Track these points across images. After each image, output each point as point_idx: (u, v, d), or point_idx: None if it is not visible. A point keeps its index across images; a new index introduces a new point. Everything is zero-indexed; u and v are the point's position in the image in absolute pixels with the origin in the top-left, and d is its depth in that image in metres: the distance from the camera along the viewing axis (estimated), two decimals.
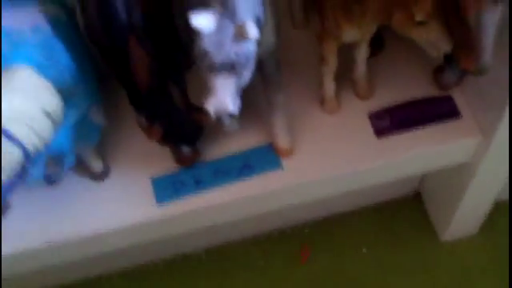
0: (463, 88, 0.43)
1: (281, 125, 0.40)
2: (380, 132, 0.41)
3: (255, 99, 0.39)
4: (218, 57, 0.30)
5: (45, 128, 0.33)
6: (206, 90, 0.32)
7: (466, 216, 0.52)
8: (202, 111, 0.34)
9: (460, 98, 0.43)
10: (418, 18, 0.32)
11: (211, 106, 0.31)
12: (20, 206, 0.40)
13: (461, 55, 0.33)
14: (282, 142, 0.40)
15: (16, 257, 0.40)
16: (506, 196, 0.56)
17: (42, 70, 0.34)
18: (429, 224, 0.58)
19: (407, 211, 0.58)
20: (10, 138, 0.31)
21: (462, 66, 0.33)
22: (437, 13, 0.33)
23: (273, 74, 0.37)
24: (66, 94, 0.34)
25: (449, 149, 0.42)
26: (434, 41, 0.33)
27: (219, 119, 0.32)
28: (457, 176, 0.48)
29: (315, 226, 0.57)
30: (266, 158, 0.41)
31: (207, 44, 0.29)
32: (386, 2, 0.33)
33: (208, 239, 0.55)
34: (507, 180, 0.50)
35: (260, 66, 0.34)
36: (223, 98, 0.30)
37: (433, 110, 0.42)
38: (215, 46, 0.29)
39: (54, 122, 0.33)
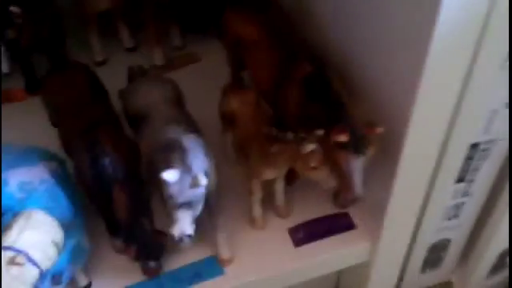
0: (356, 207, 0.58)
1: (222, 241, 0.53)
2: (297, 243, 0.56)
3: (202, 223, 0.51)
4: (179, 198, 0.44)
5: (53, 254, 0.46)
6: (170, 220, 0.46)
7: None
8: (165, 235, 0.48)
9: (355, 214, 0.58)
10: (312, 164, 0.46)
11: (176, 231, 0.45)
12: None
13: (342, 189, 0.48)
14: (224, 254, 0.54)
15: None
16: None
17: (49, 210, 0.47)
18: None
19: None
20: (32, 261, 0.43)
21: (343, 196, 0.48)
22: (325, 161, 0.47)
23: (215, 204, 0.50)
24: (66, 227, 0.48)
25: (347, 253, 0.57)
26: (324, 179, 0.47)
27: (179, 240, 0.45)
28: (359, 275, 0.62)
29: None
30: (211, 267, 0.54)
31: (172, 190, 0.44)
32: (291, 155, 0.47)
33: None
34: (399, 276, 0.63)
35: (206, 198, 0.48)
36: (184, 226, 0.45)
37: (335, 224, 0.57)
38: (177, 191, 0.44)
39: (58, 248, 0.46)
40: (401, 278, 0.69)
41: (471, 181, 0.57)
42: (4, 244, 0.43)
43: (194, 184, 0.43)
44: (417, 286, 0.72)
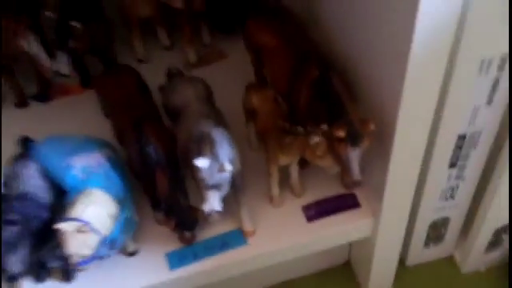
0: (361, 188, 0.66)
1: (245, 216, 0.63)
2: (309, 218, 0.65)
3: (228, 201, 0.60)
4: (210, 181, 0.54)
5: (110, 224, 0.56)
6: (202, 198, 0.56)
7: (378, 277, 0.75)
8: (198, 210, 0.58)
9: (360, 195, 0.67)
10: (318, 153, 0.55)
11: (206, 208, 0.55)
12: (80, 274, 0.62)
13: (342, 174, 0.56)
14: (247, 226, 0.63)
15: None
16: (413, 262, 0.80)
17: (105, 189, 0.58)
18: (357, 284, 0.80)
19: (341, 276, 0.81)
20: (94, 230, 0.54)
21: (344, 180, 0.55)
22: (329, 152, 0.55)
23: (239, 185, 0.60)
24: (119, 203, 0.58)
25: (353, 228, 0.66)
26: (329, 166, 0.57)
27: (209, 214, 0.55)
28: (366, 249, 0.72)
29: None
30: (237, 238, 0.64)
31: (204, 175, 0.53)
32: (301, 145, 0.56)
33: None
34: (403, 251, 0.72)
35: (232, 180, 0.57)
36: (213, 203, 0.55)
37: (342, 203, 0.66)
38: (208, 175, 0.53)
39: (114, 220, 0.56)
40: (406, 252, 0.79)
41: (463, 166, 0.65)
42: (71, 216, 0.54)
43: (221, 170, 0.53)
44: (421, 259, 0.81)
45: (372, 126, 0.52)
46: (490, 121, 0.59)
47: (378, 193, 0.62)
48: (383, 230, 0.65)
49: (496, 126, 0.60)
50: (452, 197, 0.69)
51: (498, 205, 0.68)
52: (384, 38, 0.52)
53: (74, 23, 0.67)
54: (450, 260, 0.81)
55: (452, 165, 0.63)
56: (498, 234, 0.74)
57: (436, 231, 0.75)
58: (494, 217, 0.70)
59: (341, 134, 0.51)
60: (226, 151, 0.54)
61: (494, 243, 0.76)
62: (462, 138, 0.60)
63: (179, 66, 0.75)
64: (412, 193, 0.62)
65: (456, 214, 0.72)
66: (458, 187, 0.68)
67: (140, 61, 0.82)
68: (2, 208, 0.56)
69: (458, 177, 0.66)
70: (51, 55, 0.67)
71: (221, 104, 0.67)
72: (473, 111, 0.57)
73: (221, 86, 0.70)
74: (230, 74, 0.79)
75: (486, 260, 0.78)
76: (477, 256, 0.77)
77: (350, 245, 0.79)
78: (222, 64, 0.83)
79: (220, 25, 0.84)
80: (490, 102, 0.57)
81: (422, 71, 0.49)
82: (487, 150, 0.63)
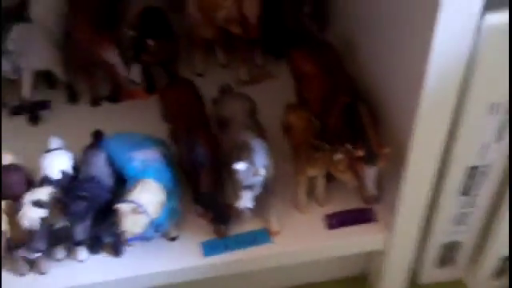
0: (380, 204, 0.73)
1: (273, 217, 0.72)
2: (330, 226, 0.72)
3: (259, 204, 0.69)
4: (245, 183, 0.63)
5: (159, 209, 0.66)
6: (237, 197, 0.65)
7: None
8: (232, 207, 0.67)
9: (377, 210, 0.74)
10: (340, 168, 0.64)
11: (240, 205, 0.64)
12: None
13: (360, 189, 0.64)
14: (274, 227, 0.72)
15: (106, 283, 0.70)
16: (425, 281, 0.85)
17: (158, 180, 0.67)
18: None
19: (357, 286, 0.87)
20: (146, 212, 0.64)
21: (362, 195, 0.64)
22: (350, 168, 0.64)
23: (270, 189, 0.69)
24: (168, 193, 0.67)
25: (367, 240, 0.73)
26: (349, 180, 0.65)
27: (242, 211, 0.65)
28: (380, 260, 0.79)
29: None
30: (264, 236, 0.72)
31: (241, 176, 0.63)
32: (327, 160, 0.66)
33: None
34: (415, 268, 0.78)
35: (265, 184, 0.67)
36: (246, 201, 0.64)
37: (360, 216, 0.73)
38: (244, 177, 0.63)
39: (161, 207, 0.66)
40: (419, 271, 0.84)
41: (475, 195, 0.71)
42: (129, 198, 0.65)
43: (256, 174, 0.63)
44: (433, 279, 0.86)
45: (387, 150, 0.61)
46: (499, 156, 0.66)
47: (392, 210, 0.70)
48: (395, 244, 0.73)
49: (506, 162, 0.67)
50: (464, 223, 0.75)
51: (501, 235, 0.74)
52: (401, 77, 0.61)
53: (149, 41, 0.80)
54: (460, 283, 0.86)
55: (464, 193, 0.70)
56: (503, 263, 0.79)
57: (448, 253, 0.81)
58: (499, 246, 0.76)
59: (360, 153, 0.61)
60: (261, 159, 0.64)
61: (500, 272, 0.81)
62: (473, 169, 0.67)
63: (232, 83, 0.87)
64: (423, 213, 0.70)
65: (467, 240, 0.78)
66: (470, 214, 0.74)
67: (199, 75, 0.93)
68: (75, 186, 0.68)
69: (471, 204, 0.72)
70: (126, 65, 0.80)
71: (264, 118, 0.77)
72: (483, 147, 0.64)
73: (266, 103, 0.81)
74: (275, 93, 0.89)
75: (495, 285, 0.83)
76: (485, 283, 0.82)
77: (369, 256, 0.86)
78: (269, 84, 0.93)
79: (272, 50, 0.95)
80: (499, 139, 0.64)
81: (432, 110, 0.57)
82: (498, 182, 0.70)
